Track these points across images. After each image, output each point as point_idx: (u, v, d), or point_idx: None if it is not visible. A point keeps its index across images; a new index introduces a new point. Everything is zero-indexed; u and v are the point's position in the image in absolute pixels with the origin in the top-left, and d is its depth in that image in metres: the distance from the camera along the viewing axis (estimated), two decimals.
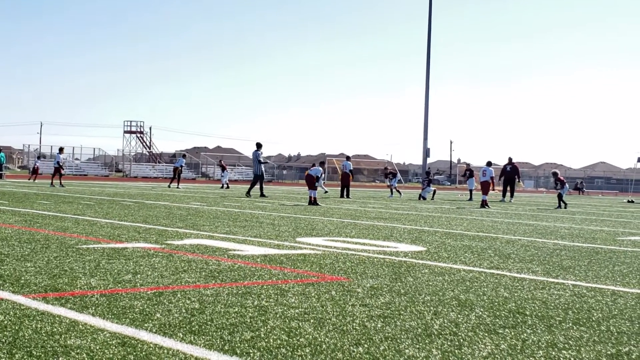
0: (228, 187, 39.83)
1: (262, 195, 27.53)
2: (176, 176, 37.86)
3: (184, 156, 41.20)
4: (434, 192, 33.86)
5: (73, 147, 78.11)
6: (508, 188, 33.71)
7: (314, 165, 26.34)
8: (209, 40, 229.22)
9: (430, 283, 6.84)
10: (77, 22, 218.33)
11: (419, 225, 14.77)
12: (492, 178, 29.38)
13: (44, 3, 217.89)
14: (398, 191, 35.05)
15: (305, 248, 9.48)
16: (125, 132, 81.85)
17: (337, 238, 11.12)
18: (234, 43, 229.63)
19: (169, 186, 37.51)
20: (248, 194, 27.84)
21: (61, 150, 35.41)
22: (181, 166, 38.36)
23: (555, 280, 7.39)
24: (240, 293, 5.86)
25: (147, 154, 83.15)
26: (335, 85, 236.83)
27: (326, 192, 34.75)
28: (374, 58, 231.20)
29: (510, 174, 33.24)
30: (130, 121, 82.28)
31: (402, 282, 6.78)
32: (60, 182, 33.96)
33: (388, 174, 34.76)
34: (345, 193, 31.17)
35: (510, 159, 33.22)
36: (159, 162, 78.52)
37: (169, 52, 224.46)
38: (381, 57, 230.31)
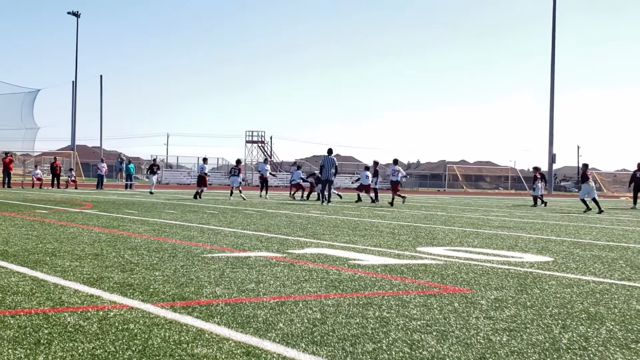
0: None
1: (329, 201, 27.73)
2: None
3: (204, 160, 35.49)
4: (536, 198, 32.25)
5: (198, 157, 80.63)
6: (639, 195, 32.34)
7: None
8: (325, 48, 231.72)
9: (558, 295, 6.60)
10: (200, 41, 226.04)
11: (545, 235, 14.32)
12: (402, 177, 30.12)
13: (168, 25, 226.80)
14: (541, 199, 32.49)
15: (426, 258, 9.37)
16: (247, 141, 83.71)
17: (459, 248, 10.93)
18: (351, 49, 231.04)
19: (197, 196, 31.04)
20: (328, 200, 27.78)
21: (205, 160, 33.88)
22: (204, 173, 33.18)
23: None
24: (362, 304, 5.85)
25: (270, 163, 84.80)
26: (455, 90, 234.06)
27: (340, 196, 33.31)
28: (496, 61, 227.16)
29: None
30: (252, 131, 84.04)
31: (528, 294, 6.58)
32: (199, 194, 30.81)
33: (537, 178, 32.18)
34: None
35: None
36: (280, 171, 79.87)
37: (288, 63, 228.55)
38: (504, 60, 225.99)
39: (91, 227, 12.87)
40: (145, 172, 71.68)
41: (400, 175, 29.04)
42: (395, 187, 28.83)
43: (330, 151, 28.67)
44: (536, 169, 33.56)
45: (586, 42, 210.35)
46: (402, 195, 29.85)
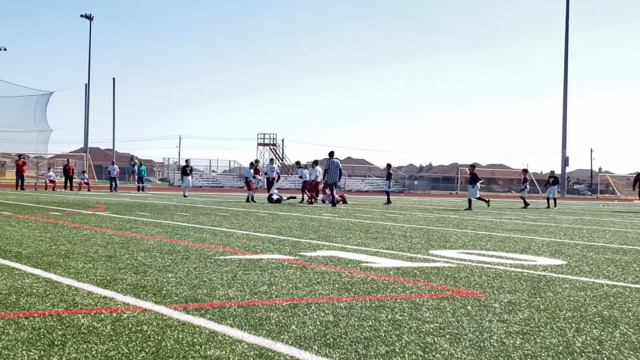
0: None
1: (342, 202, 29.13)
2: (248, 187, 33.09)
3: (255, 165, 34.43)
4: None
5: (210, 160, 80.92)
6: None
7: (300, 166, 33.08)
8: (338, 49, 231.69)
9: (572, 298, 6.57)
10: (212, 44, 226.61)
11: (558, 238, 14.27)
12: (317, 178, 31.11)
13: (180, 27, 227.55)
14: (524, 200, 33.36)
15: (439, 261, 9.34)
16: (259, 144, 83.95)
17: (471, 251, 10.90)
18: (364, 52, 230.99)
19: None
20: (338, 202, 28.71)
21: (253, 164, 33.03)
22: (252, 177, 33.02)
23: None
24: (374, 306, 5.84)
25: (280, 165, 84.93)
26: (468, 93, 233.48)
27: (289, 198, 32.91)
28: (509, 63, 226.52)
29: None
30: (264, 134, 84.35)
31: (542, 297, 6.55)
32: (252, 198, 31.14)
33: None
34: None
35: None
36: (291, 174, 79.93)
37: (300, 66, 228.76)
38: (517, 63, 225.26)
39: (104, 229, 12.92)
40: (173, 173, 70.39)
41: (314, 175, 31.23)
42: (312, 187, 31.24)
43: (331, 154, 28.84)
44: (525, 171, 35.32)
45: (599, 44, 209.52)
46: (313, 197, 31.44)
